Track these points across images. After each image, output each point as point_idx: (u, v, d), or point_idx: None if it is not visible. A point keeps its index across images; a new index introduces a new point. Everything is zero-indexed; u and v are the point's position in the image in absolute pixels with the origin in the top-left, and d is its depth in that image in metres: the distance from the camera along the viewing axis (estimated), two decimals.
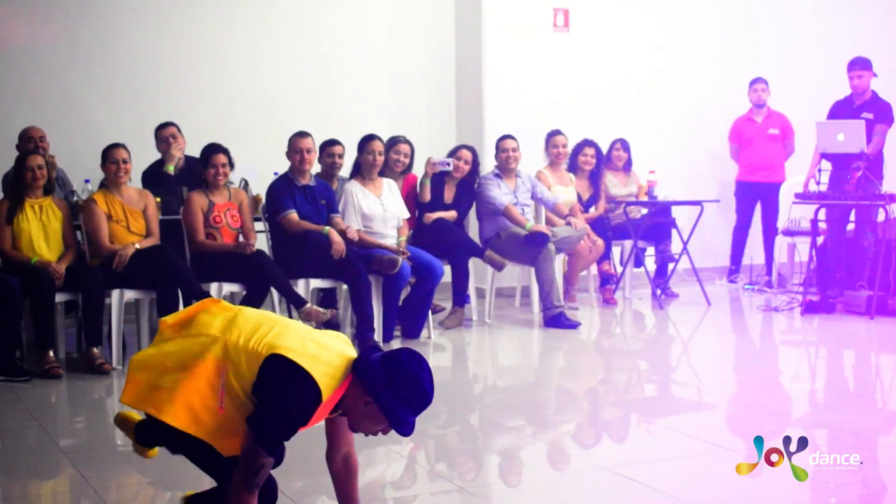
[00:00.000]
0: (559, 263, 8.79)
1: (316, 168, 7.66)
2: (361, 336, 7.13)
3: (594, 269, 9.48)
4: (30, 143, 7.54)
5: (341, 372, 3.19)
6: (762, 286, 10.12)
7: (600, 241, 8.98)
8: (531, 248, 8.26)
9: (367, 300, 7.22)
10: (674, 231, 9.52)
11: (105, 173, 6.97)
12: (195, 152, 7.51)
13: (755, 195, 10.38)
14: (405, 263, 7.41)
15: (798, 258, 9.88)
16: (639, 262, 9.57)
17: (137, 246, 6.78)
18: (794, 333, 8.39)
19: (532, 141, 9.18)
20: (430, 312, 7.81)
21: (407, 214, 7.98)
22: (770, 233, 10.33)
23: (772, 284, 10.11)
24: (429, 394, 3.22)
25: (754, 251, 10.55)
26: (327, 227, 7.28)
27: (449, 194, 8.38)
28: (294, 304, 6.99)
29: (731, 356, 7.71)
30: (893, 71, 10.15)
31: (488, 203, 8.46)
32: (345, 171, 8.04)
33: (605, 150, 9.60)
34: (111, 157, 6.90)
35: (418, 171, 8.42)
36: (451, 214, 8.33)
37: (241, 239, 7.14)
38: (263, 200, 7.57)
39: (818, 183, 8.99)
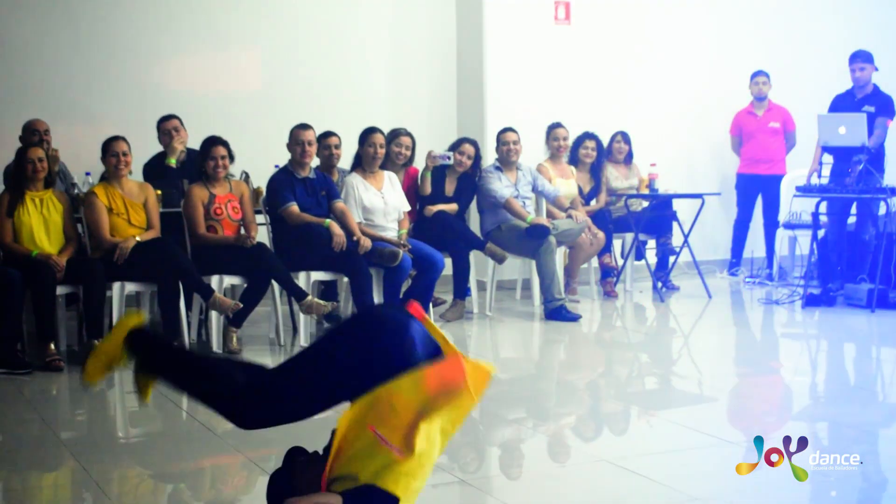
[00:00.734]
0: (560, 256, 8.78)
1: (315, 161, 7.66)
2: None
3: (595, 261, 9.48)
4: (34, 135, 7.54)
5: None
6: (763, 279, 10.12)
7: (601, 234, 8.98)
8: (532, 240, 8.26)
9: (367, 293, 7.22)
10: (675, 224, 9.51)
11: (105, 166, 6.97)
12: (197, 145, 7.50)
13: (756, 188, 10.38)
14: (406, 256, 7.41)
15: (799, 251, 9.88)
16: (640, 255, 9.58)
17: (138, 239, 6.78)
18: (794, 326, 8.39)
19: (533, 134, 9.18)
20: (430, 305, 7.81)
21: (408, 207, 7.98)
22: (771, 226, 10.33)
23: (773, 277, 10.11)
24: None
25: (755, 244, 10.54)
26: (328, 220, 7.28)
27: (450, 187, 8.38)
28: (295, 296, 7.00)
29: (732, 349, 7.71)
30: (895, 64, 10.14)
31: (489, 196, 8.46)
32: (346, 163, 8.04)
33: (605, 142, 9.60)
34: (111, 150, 6.90)
35: (419, 163, 8.41)
36: (452, 207, 8.33)
37: (242, 231, 7.14)
38: (264, 193, 7.56)
39: (819, 176, 8.98)
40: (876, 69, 9.09)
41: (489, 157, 9.03)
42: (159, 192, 7.30)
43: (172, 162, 7.76)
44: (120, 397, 6.15)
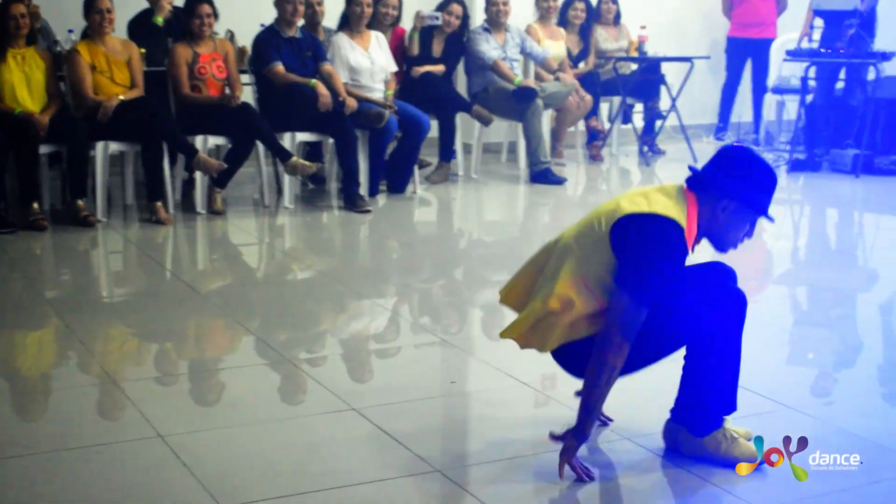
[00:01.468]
0: (547, 119, 8.75)
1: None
2: (347, 190, 7.14)
3: (581, 125, 9.46)
4: None
5: (678, 199, 3.09)
6: (750, 144, 10.10)
7: (588, 97, 8.92)
8: (519, 103, 8.21)
9: (353, 154, 7.20)
10: (663, 87, 9.45)
11: (88, 23, 6.85)
12: (181, 2, 7.37)
13: (746, 52, 10.27)
14: (392, 117, 7.37)
15: (787, 116, 9.85)
16: (626, 119, 9.55)
17: (122, 98, 6.71)
18: (779, 191, 8.26)
19: None
20: (416, 167, 7.79)
21: (395, 68, 7.90)
22: (759, 90, 10.28)
23: (759, 142, 10.10)
24: (773, 170, 3.27)
25: (743, 109, 10.51)
26: (314, 80, 7.21)
27: (437, 48, 8.29)
28: (279, 157, 6.97)
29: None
30: None
31: (477, 57, 8.38)
32: (332, 22, 7.93)
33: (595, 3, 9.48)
34: (95, 7, 6.77)
35: (407, 24, 8.31)
36: (440, 68, 8.25)
37: (226, 91, 7.07)
38: (249, 52, 7.47)
39: (810, 40, 8.91)
40: None
41: (478, 18, 8.91)
42: (143, 50, 7.20)
43: (160, 20, 7.62)
44: (104, 257, 6.18)
